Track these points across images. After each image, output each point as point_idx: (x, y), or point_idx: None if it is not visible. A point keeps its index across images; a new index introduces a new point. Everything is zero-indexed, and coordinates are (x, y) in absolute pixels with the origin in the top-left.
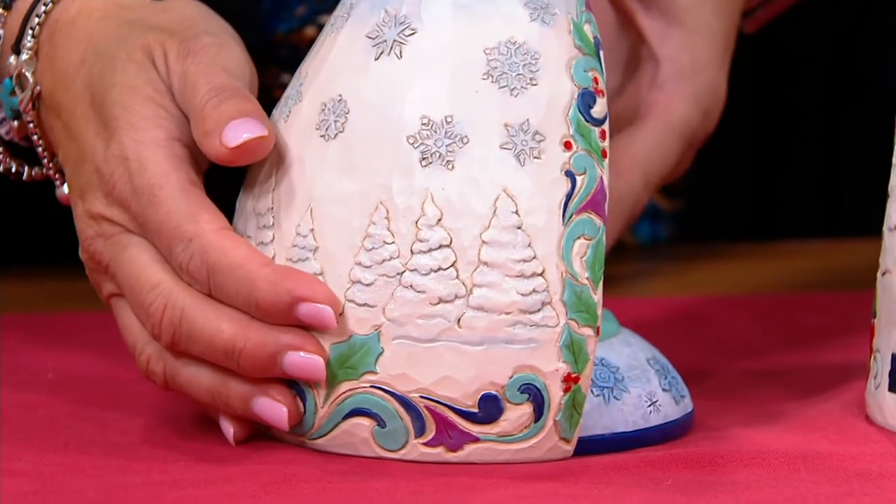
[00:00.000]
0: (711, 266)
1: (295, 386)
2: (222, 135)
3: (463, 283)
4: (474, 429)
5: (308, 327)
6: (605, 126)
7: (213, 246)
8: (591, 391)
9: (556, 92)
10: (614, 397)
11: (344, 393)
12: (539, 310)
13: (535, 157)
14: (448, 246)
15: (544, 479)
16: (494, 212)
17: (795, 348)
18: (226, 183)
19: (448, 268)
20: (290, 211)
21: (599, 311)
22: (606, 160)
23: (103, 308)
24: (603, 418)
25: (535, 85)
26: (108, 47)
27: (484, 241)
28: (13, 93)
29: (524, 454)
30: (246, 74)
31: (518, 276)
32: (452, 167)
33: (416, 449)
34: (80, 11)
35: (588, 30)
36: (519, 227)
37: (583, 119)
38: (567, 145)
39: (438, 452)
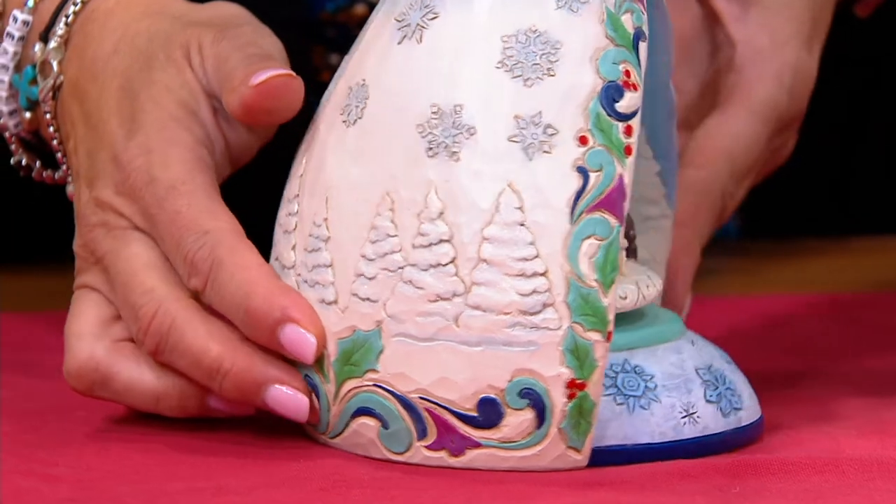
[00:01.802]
0: (784, 263)
1: (307, 379)
2: (249, 79)
3: (462, 281)
4: (475, 433)
5: (286, 354)
6: (633, 121)
7: (227, 243)
8: (615, 399)
9: (574, 84)
10: (640, 406)
11: (351, 391)
12: (539, 311)
13: (544, 152)
14: (448, 241)
15: (604, 486)
16: (497, 207)
17: (871, 350)
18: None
19: (448, 264)
20: (311, 199)
21: (611, 315)
22: (631, 157)
23: None
24: (625, 428)
25: (552, 76)
26: (147, 42)
27: (485, 238)
28: (33, 81)
29: (529, 462)
30: (282, 58)
31: (518, 276)
32: (458, 159)
33: (420, 452)
34: (119, 2)
35: (628, 20)
36: (522, 224)
37: (604, 113)
38: (582, 140)
39: (441, 457)
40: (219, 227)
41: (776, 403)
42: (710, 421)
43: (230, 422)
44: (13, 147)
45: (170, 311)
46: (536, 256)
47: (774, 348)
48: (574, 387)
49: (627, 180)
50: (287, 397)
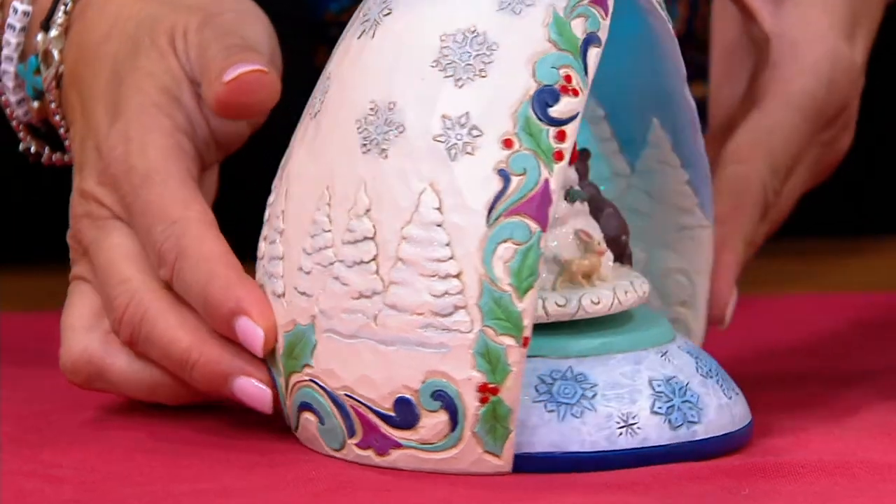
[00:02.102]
0: (815, 263)
1: (271, 372)
2: (222, 76)
3: (381, 279)
4: (396, 434)
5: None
6: (569, 127)
7: (192, 233)
8: (546, 406)
9: (505, 87)
10: (572, 414)
11: (295, 384)
12: (451, 313)
13: (467, 153)
14: (372, 238)
15: (611, 487)
16: (417, 206)
17: (884, 351)
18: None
19: (370, 261)
20: (278, 191)
21: (527, 320)
22: (561, 162)
23: None
24: (553, 436)
25: (483, 77)
26: (135, 27)
27: (403, 237)
28: (37, 71)
29: (448, 465)
30: (265, 47)
31: (432, 276)
32: (386, 156)
33: (352, 450)
34: None
35: (578, 25)
36: (439, 225)
37: (534, 117)
38: (507, 143)
39: (369, 455)
40: (187, 216)
41: (787, 405)
42: (653, 433)
43: (235, 424)
44: (21, 135)
45: (143, 301)
46: (451, 258)
47: (787, 350)
48: (486, 391)
49: (555, 185)
50: (253, 389)
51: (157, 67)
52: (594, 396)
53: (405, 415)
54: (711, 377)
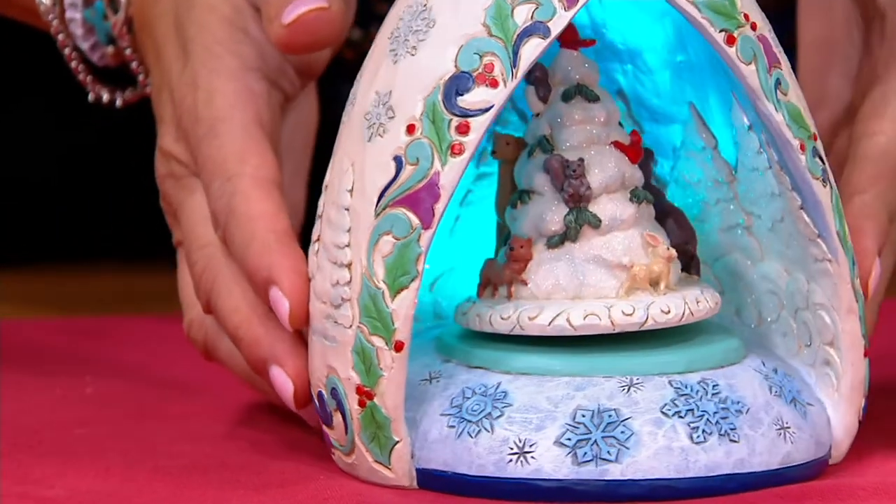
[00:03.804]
0: None
1: None
2: (282, 15)
3: (315, 263)
4: (327, 431)
5: None
6: (477, 120)
7: (243, 191)
8: (449, 421)
9: (428, 67)
10: (468, 433)
11: None
12: (339, 305)
13: (379, 135)
14: (320, 217)
15: None
16: (337, 187)
17: None
18: None
19: (315, 242)
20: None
21: (399, 322)
22: (460, 157)
23: (151, 312)
24: (446, 454)
25: (412, 56)
26: None
27: (325, 218)
28: (106, 17)
29: (358, 472)
30: None
31: (333, 263)
32: (342, 131)
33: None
34: None
35: (523, 12)
36: (347, 209)
37: (441, 105)
38: (410, 129)
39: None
40: (241, 172)
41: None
42: (549, 464)
43: (246, 442)
44: (88, 87)
45: (214, 269)
46: (347, 245)
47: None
48: (363, 394)
49: (446, 181)
50: (280, 380)
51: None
52: (499, 417)
53: (324, 410)
54: (673, 417)
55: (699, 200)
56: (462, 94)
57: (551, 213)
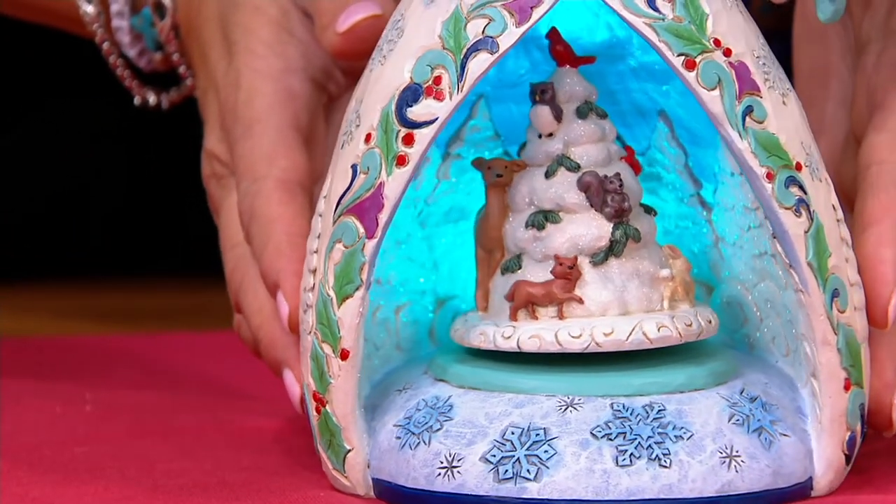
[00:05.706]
0: None
1: None
2: (336, 23)
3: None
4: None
5: None
6: (422, 131)
7: (266, 193)
8: (397, 433)
9: (390, 78)
10: (409, 445)
11: None
12: (306, 311)
13: (348, 143)
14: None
15: None
16: (318, 193)
17: None
18: None
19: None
20: None
21: (344, 331)
22: (404, 168)
23: (150, 329)
24: (390, 465)
25: (382, 65)
26: None
27: (312, 224)
28: (153, 24)
29: (332, 482)
30: None
31: (307, 269)
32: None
33: None
34: None
35: (476, 26)
36: (320, 216)
37: (392, 115)
38: (367, 138)
39: None
40: (268, 174)
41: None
42: (472, 480)
43: (252, 462)
44: (134, 91)
45: (242, 269)
46: (315, 252)
47: None
48: (318, 401)
49: (390, 192)
50: (289, 383)
51: (263, 0)
52: (438, 430)
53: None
54: (616, 439)
55: (737, 226)
56: (411, 106)
57: (594, 229)
